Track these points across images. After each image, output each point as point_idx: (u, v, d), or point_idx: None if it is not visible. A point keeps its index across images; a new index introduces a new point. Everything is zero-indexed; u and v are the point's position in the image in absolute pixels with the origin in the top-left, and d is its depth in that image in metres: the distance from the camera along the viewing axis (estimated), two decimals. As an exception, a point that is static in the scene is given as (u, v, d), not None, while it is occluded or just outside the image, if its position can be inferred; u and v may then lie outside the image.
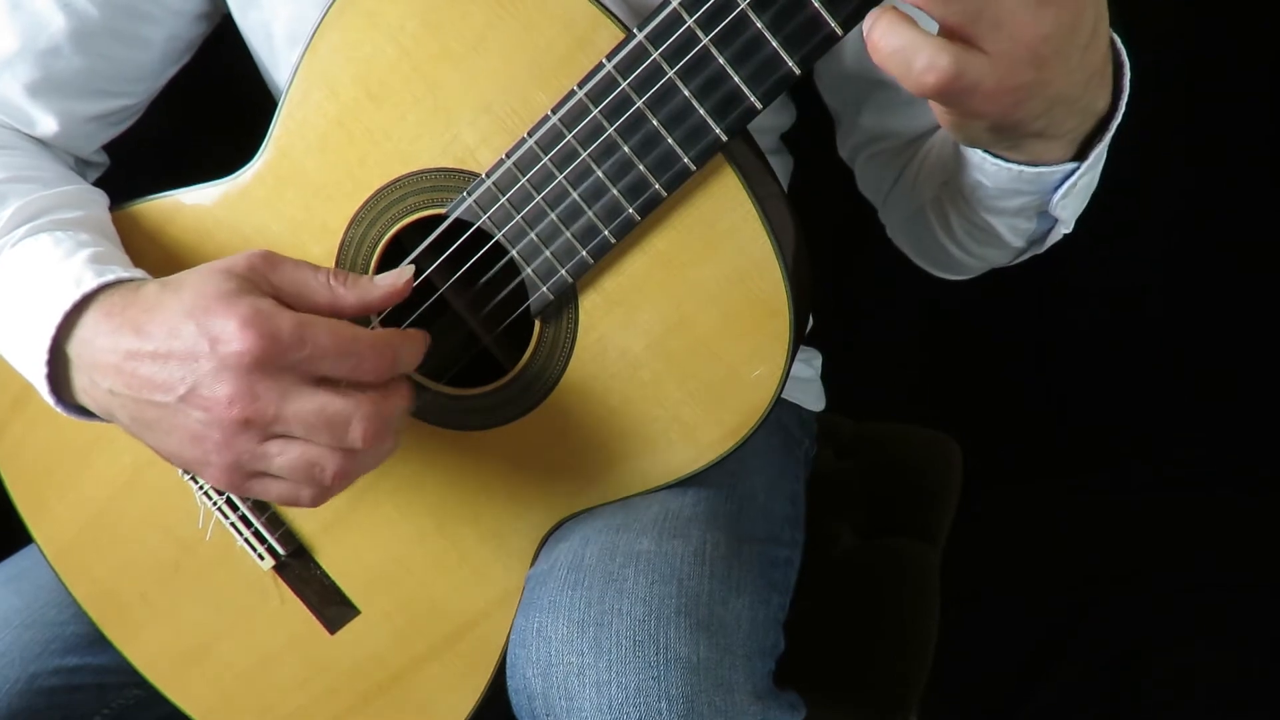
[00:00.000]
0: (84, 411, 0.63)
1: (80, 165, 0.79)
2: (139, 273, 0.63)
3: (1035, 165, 0.58)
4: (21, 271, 0.63)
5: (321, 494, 0.58)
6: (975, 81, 0.46)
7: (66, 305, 0.59)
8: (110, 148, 0.80)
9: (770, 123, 0.85)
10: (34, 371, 0.61)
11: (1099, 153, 0.57)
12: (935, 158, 0.74)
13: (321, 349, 0.54)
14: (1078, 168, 0.58)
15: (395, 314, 0.66)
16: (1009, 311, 1.62)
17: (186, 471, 0.74)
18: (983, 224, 0.68)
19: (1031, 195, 0.61)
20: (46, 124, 0.74)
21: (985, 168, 0.60)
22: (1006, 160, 0.58)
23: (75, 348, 0.60)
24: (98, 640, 0.80)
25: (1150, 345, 1.65)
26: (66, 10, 0.70)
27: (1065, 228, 0.66)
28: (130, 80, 0.76)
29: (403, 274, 0.61)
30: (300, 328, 0.54)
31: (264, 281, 0.57)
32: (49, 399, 0.62)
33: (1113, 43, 0.54)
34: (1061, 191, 0.60)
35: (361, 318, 0.66)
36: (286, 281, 0.58)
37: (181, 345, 0.55)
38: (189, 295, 0.56)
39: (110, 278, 0.60)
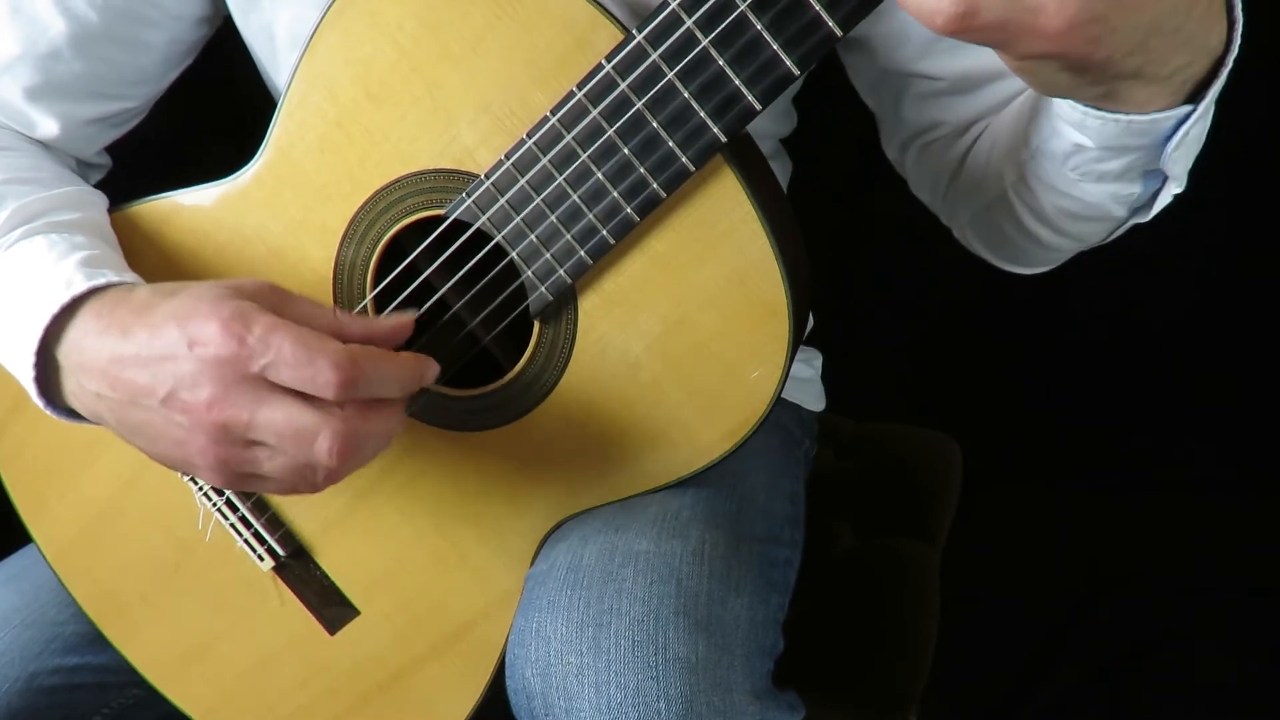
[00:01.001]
0: (74, 414, 0.63)
1: (82, 167, 0.79)
2: (131, 276, 0.63)
3: (1145, 113, 0.50)
4: (15, 274, 0.63)
5: (315, 489, 0.58)
6: (1001, 18, 0.40)
7: (55, 307, 0.59)
8: (110, 148, 0.80)
9: (771, 129, 0.85)
10: (23, 374, 0.61)
11: (1213, 94, 0.50)
12: (1009, 136, 0.67)
13: (281, 356, 0.53)
14: (1193, 111, 0.50)
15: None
16: (1009, 312, 1.62)
17: (184, 473, 0.74)
18: (1082, 196, 0.61)
19: (1139, 151, 0.54)
20: (47, 127, 0.74)
21: (1088, 124, 0.53)
22: (1111, 111, 0.51)
23: (64, 350, 0.60)
24: (98, 640, 0.80)
25: (1151, 347, 1.65)
26: (67, 15, 0.70)
27: (1178, 186, 0.58)
28: (131, 84, 0.76)
29: (408, 314, 0.61)
30: (268, 332, 0.53)
31: (267, 304, 0.56)
32: (37, 401, 0.62)
33: None
34: (1174, 142, 0.52)
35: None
36: (292, 314, 0.56)
37: (163, 348, 0.55)
38: (180, 300, 0.56)
39: (100, 281, 0.60)
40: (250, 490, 0.58)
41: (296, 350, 0.53)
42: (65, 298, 0.59)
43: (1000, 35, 0.41)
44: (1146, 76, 0.47)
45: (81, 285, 0.60)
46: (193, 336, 0.53)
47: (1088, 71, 0.45)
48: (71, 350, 0.59)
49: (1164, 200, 0.60)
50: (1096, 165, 0.57)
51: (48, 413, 0.63)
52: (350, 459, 0.55)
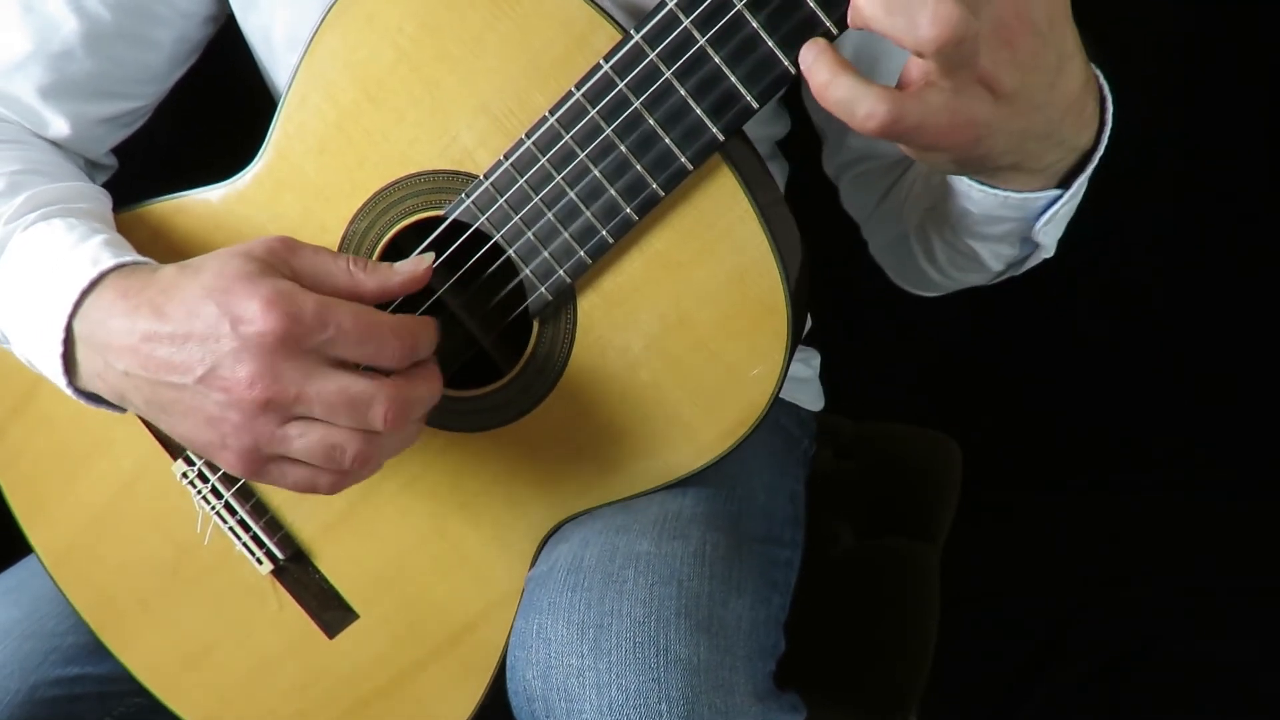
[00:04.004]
0: (93, 398, 0.63)
1: (90, 168, 0.79)
2: (152, 260, 0.62)
3: (1020, 192, 0.59)
4: (36, 253, 0.63)
5: (339, 480, 0.58)
6: (918, 122, 0.48)
7: (83, 283, 0.59)
8: (114, 150, 0.81)
9: (765, 131, 0.85)
10: (47, 353, 0.61)
11: (1081, 182, 0.59)
12: (921, 186, 0.75)
13: (344, 332, 0.54)
14: (1061, 195, 0.60)
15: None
16: (1009, 313, 1.61)
17: (193, 464, 0.74)
18: (966, 250, 0.69)
19: (1015, 221, 0.63)
20: (58, 126, 0.74)
21: (972, 195, 0.61)
22: (991, 187, 0.60)
23: (89, 328, 0.59)
24: (97, 650, 0.79)
25: (1150, 348, 1.65)
26: (79, 13, 0.70)
27: (1047, 253, 0.68)
28: (140, 82, 0.76)
29: (422, 261, 0.60)
30: (323, 309, 0.54)
31: (283, 265, 0.57)
32: (60, 380, 0.62)
33: (1096, 77, 0.56)
34: (1045, 218, 0.62)
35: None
36: (306, 266, 0.57)
37: (202, 325, 0.54)
38: (209, 276, 0.55)
39: (128, 259, 0.60)
40: (269, 480, 0.58)
41: (358, 326, 0.55)
42: (93, 273, 0.59)
43: (914, 133, 0.49)
44: (1025, 169, 0.57)
45: (109, 261, 0.60)
46: (235, 314, 0.54)
47: (969, 164, 0.55)
48: (97, 329, 0.59)
49: (1033, 262, 0.70)
50: (980, 227, 0.65)
51: (68, 394, 0.62)
52: (403, 423, 0.56)
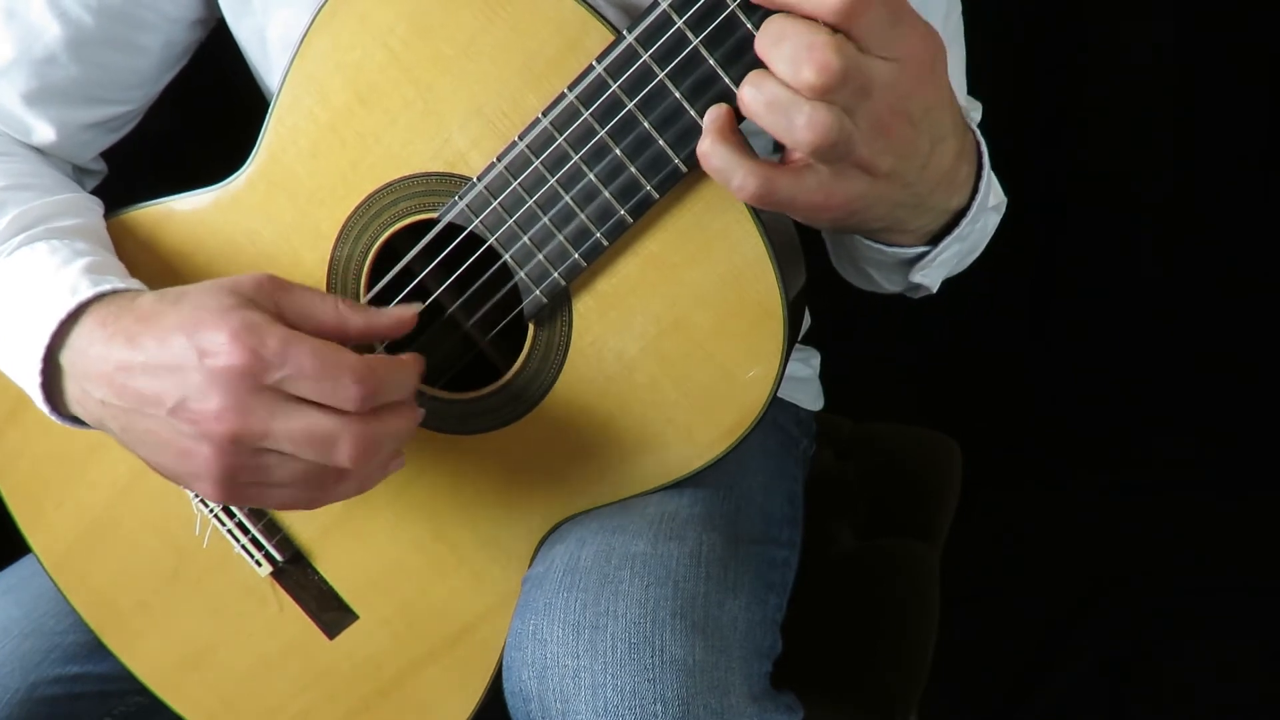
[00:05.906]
0: (78, 421, 0.63)
1: (78, 173, 0.79)
2: (136, 283, 0.63)
3: (892, 246, 0.64)
4: (17, 280, 0.63)
5: (320, 497, 0.58)
6: (791, 198, 0.52)
7: (62, 313, 0.59)
8: (105, 154, 0.80)
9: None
10: (28, 380, 0.61)
11: (953, 238, 0.62)
12: None
13: (301, 369, 0.53)
14: (929, 251, 0.63)
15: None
16: (1008, 313, 1.62)
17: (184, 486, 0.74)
18: (861, 270, 0.73)
19: (893, 265, 0.67)
20: (44, 132, 0.74)
21: (855, 242, 0.66)
22: (869, 240, 0.64)
23: (69, 356, 0.60)
24: (98, 648, 0.80)
25: (1150, 349, 1.66)
26: (62, 19, 0.70)
27: (928, 290, 0.72)
28: (127, 87, 0.76)
29: (411, 307, 0.61)
30: (285, 345, 0.53)
31: (269, 302, 0.56)
32: (43, 407, 0.62)
33: (977, 145, 0.60)
34: (918, 267, 0.65)
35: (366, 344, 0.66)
36: (294, 304, 0.57)
37: (171, 357, 0.54)
38: (186, 308, 0.56)
39: (106, 287, 0.60)
40: (253, 504, 0.58)
41: (317, 364, 0.54)
42: (72, 304, 0.59)
43: (788, 207, 0.53)
44: (896, 229, 0.61)
45: (87, 291, 0.60)
46: (202, 347, 0.53)
47: (846, 229, 0.61)
48: (77, 357, 0.59)
49: (923, 293, 0.73)
50: (863, 263, 0.71)
51: (52, 419, 0.63)
52: (369, 460, 0.56)
